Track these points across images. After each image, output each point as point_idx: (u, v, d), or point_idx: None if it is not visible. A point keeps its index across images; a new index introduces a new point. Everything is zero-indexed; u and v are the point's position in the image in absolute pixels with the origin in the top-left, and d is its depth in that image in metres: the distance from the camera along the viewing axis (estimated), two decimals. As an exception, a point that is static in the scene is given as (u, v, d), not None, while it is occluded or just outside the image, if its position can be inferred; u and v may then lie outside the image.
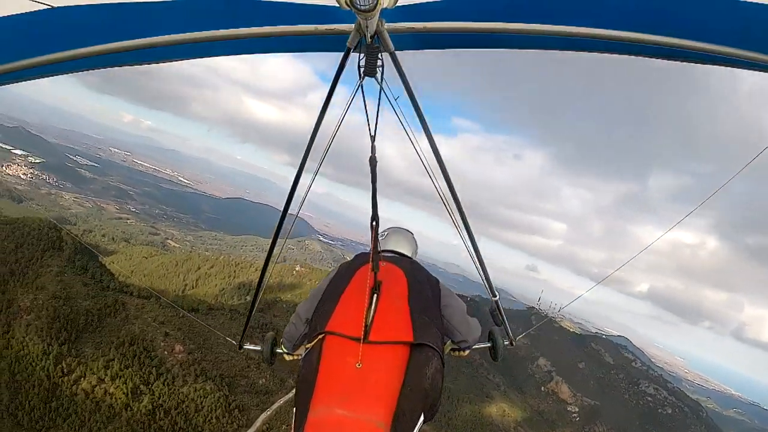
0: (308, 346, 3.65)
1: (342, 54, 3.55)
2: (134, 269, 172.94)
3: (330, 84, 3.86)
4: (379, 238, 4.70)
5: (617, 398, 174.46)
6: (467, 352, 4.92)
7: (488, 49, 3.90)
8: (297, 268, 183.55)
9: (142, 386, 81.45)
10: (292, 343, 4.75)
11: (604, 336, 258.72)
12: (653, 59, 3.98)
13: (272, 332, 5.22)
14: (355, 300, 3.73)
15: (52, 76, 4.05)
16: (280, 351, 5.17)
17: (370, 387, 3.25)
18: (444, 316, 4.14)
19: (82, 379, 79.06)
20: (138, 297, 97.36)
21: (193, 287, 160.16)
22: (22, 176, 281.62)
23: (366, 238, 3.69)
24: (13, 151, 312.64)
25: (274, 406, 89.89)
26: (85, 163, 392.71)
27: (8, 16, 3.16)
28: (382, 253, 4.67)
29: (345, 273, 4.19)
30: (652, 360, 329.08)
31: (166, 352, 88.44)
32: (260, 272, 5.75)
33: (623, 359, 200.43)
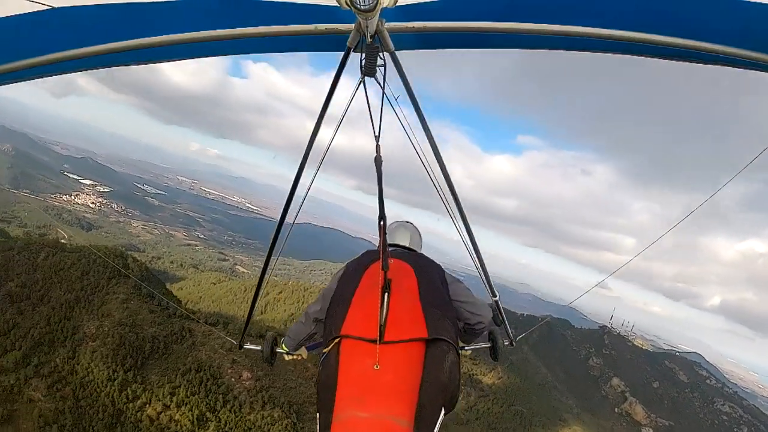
0: (325, 350, 3.68)
1: (342, 54, 3.57)
2: (203, 295, 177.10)
3: (330, 84, 3.86)
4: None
5: (692, 418, 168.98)
6: (469, 351, 5.09)
7: (489, 49, 3.91)
8: None
9: (208, 413, 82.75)
10: (296, 341, 4.94)
11: (677, 353, 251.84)
12: (655, 59, 3.98)
13: (272, 332, 5.33)
14: (367, 300, 3.75)
15: (53, 75, 4.11)
16: (280, 350, 5.32)
17: (389, 387, 3.30)
18: (455, 301, 4.19)
19: (147, 405, 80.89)
20: (205, 323, 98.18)
21: (262, 313, 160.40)
22: (90, 205, 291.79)
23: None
24: (81, 181, 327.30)
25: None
26: (152, 191, 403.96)
27: (9, 16, 3.20)
28: (396, 249, 4.72)
29: (354, 272, 4.20)
30: (726, 376, 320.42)
31: (233, 379, 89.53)
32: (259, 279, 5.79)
33: (697, 377, 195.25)
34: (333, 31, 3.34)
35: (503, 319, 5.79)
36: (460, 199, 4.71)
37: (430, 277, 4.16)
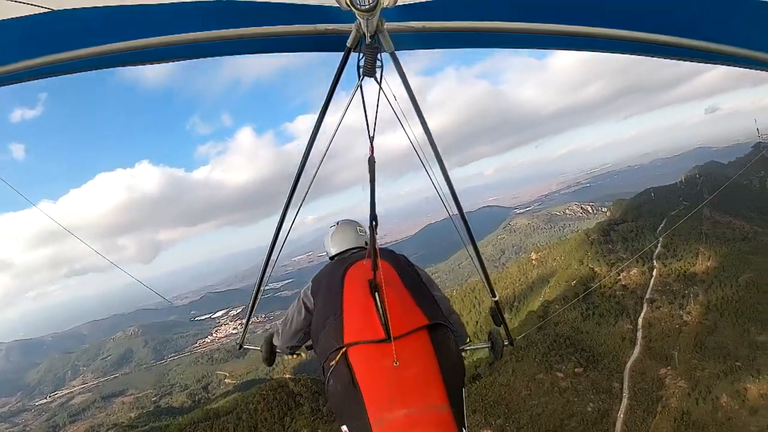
0: (331, 363, 3.56)
1: (342, 54, 3.58)
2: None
3: (330, 85, 3.89)
4: (332, 238, 5.02)
5: None
6: (468, 351, 5.03)
7: (489, 48, 3.87)
8: (533, 256, 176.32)
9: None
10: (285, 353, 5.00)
11: None
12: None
13: (270, 332, 5.20)
14: (360, 304, 3.72)
15: (53, 76, 4.09)
16: (280, 351, 5.21)
17: (418, 379, 3.30)
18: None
19: None
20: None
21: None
22: (233, 332, 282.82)
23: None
24: (213, 316, 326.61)
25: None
26: (279, 285, 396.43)
27: (8, 19, 3.20)
28: (354, 251, 4.77)
29: (330, 284, 4.14)
30: None
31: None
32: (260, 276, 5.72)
33: None
34: (333, 32, 3.37)
35: (503, 318, 5.77)
36: (459, 199, 4.74)
37: (405, 267, 4.22)
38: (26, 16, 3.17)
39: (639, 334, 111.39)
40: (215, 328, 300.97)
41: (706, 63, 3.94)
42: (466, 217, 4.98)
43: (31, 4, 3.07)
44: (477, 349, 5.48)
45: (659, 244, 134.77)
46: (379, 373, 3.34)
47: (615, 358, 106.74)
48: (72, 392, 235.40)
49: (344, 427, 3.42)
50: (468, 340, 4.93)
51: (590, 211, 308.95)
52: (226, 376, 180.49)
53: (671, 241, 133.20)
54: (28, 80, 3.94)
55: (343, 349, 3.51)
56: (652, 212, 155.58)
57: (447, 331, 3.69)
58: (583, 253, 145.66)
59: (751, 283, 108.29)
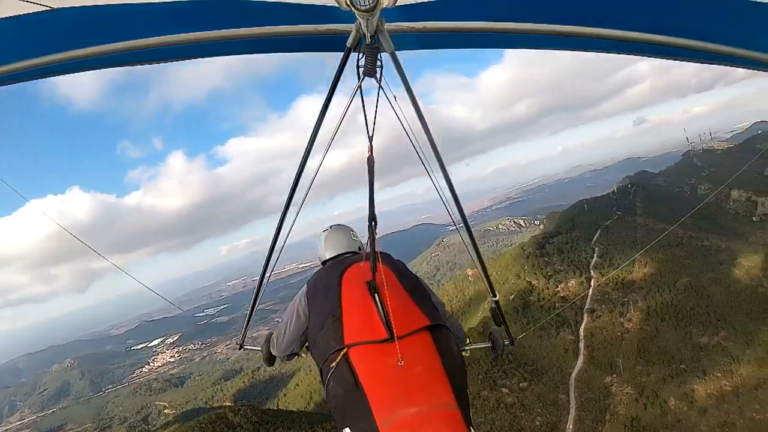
0: (331, 365, 3.50)
1: (342, 54, 3.58)
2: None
3: (330, 85, 3.91)
4: (326, 242, 4.93)
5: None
6: (468, 352, 5.00)
7: (489, 48, 3.91)
8: (468, 272, 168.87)
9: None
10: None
11: (759, 131, 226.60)
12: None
13: (269, 332, 5.12)
14: (359, 305, 3.69)
15: (53, 76, 4.06)
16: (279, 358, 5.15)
17: (424, 378, 3.26)
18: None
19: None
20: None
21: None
22: (171, 360, 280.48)
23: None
24: (149, 345, 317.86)
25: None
26: (215, 311, 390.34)
27: (8, 17, 3.15)
28: (346, 256, 4.74)
29: (329, 286, 4.07)
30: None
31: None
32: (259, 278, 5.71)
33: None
34: (333, 32, 3.38)
35: (503, 318, 5.80)
36: (460, 200, 4.75)
37: (402, 269, 4.20)
38: (25, 14, 3.13)
39: (581, 345, 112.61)
40: (152, 357, 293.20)
41: (703, 63, 3.97)
42: (466, 215, 5.01)
43: (31, 2, 3.03)
44: (478, 348, 5.45)
45: (595, 254, 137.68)
46: (382, 373, 3.30)
47: (559, 370, 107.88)
48: (9, 429, 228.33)
49: (347, 430, 3.33)
50: (468, 341, 4.98)
51: (523, 224, 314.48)
52: (165, 406, 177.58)
53: (607, 250, 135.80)
54: (28, 80, 3.90)
55: (344, 350, 3.47)
56: (586, 223, 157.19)
57: (448, 332, 3.68)
58: (519, 267, 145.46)
59: (689, 287, 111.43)
